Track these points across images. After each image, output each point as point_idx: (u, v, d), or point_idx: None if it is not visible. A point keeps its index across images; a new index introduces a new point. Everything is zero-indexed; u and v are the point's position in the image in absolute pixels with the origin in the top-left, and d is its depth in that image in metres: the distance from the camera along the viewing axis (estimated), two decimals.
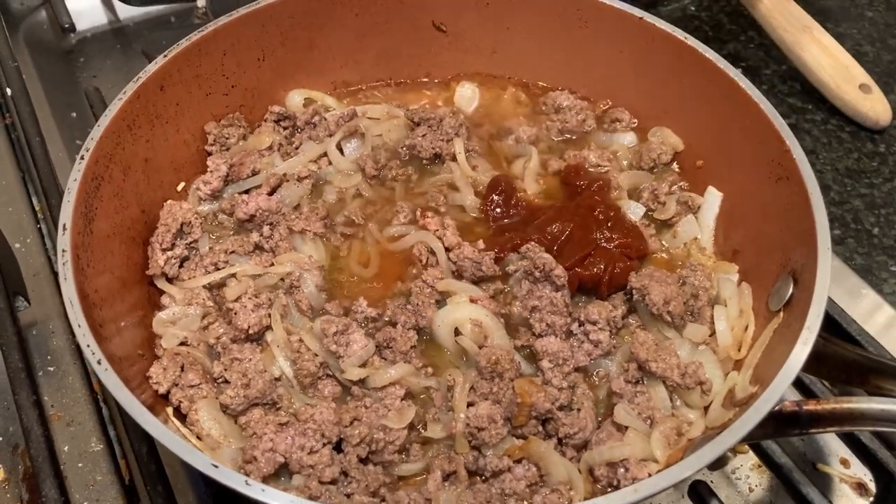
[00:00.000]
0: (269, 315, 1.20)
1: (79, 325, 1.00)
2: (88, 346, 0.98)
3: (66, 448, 1.31)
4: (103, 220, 1.18)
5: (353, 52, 1.58)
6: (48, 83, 1.89)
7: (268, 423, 1.07)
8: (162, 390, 1.12)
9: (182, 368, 1.14)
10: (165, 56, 1.33)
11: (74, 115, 1.86)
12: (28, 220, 1.64)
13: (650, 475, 1.03)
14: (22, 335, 1.25)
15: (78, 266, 1.07)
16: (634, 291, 1.23)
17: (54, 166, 1.56)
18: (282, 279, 1.26)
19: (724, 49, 2.08)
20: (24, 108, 1.64)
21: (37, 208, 1.67)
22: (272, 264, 1.28)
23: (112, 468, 1.31)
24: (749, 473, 1.32)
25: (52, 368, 1.42)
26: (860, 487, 1.33)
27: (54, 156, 1.63)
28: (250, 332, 1.17)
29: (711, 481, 1.26)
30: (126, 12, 2.08)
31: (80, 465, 1.31)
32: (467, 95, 1.60)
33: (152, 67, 1.31)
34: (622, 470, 1.05)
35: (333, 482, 1.04)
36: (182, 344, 1.19)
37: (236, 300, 1.21)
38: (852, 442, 1.25)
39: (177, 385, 1.13)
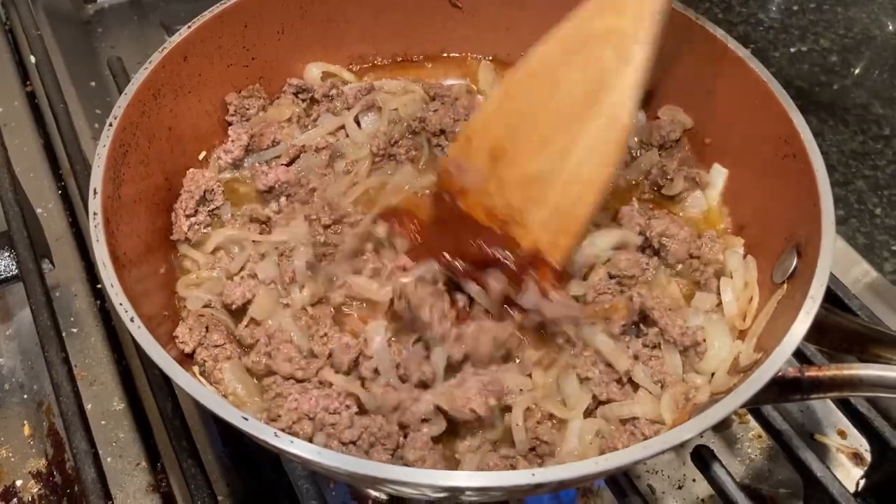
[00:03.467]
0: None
1: (111, 285, 1.03)
2: (121, 304, 1.01)
3: (89, 406, 1.35)
4: (130, 185, 1.21)
5: (370, 27, 1.60)
6: (67, 52, 1.91)
7: (292, 384, 1.11)
8: (188, 350, 1.16)
9: (206, 329, 1.18)
10: (189, 27, 1.35)
11: (93, 84, 1.89)
12: (50, 185, 1.68)
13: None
14: (49, 296, 1.29)
15: (108, 229, 1.10)
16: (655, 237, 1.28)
17: (78, 134, 1.59)
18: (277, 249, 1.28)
19: (734, 31, 2.10)
20: (48, 76, 1.65)
21: (58, 174, 1.70)
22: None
23: (134, 426, 1.37)
24: (749, 444, 1.37)
25: (74, 330, 1.47)
26: (856, 457, 1.38)
27: (75, 124, 1.66)
28: (233, 307, 1.21)
29: (713, 443, 1.31)
30: None
31: (103, 422, 1.36)
32: (487, 76, 1.61)
33: (176, 38, 1.33)
34: (632, 429, 1.09)
35: (353, 443, 1.07)
36: (206, 306, 1.23)
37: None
38: (850, 412, 1.29)
39: (202, 345, 1.17)
